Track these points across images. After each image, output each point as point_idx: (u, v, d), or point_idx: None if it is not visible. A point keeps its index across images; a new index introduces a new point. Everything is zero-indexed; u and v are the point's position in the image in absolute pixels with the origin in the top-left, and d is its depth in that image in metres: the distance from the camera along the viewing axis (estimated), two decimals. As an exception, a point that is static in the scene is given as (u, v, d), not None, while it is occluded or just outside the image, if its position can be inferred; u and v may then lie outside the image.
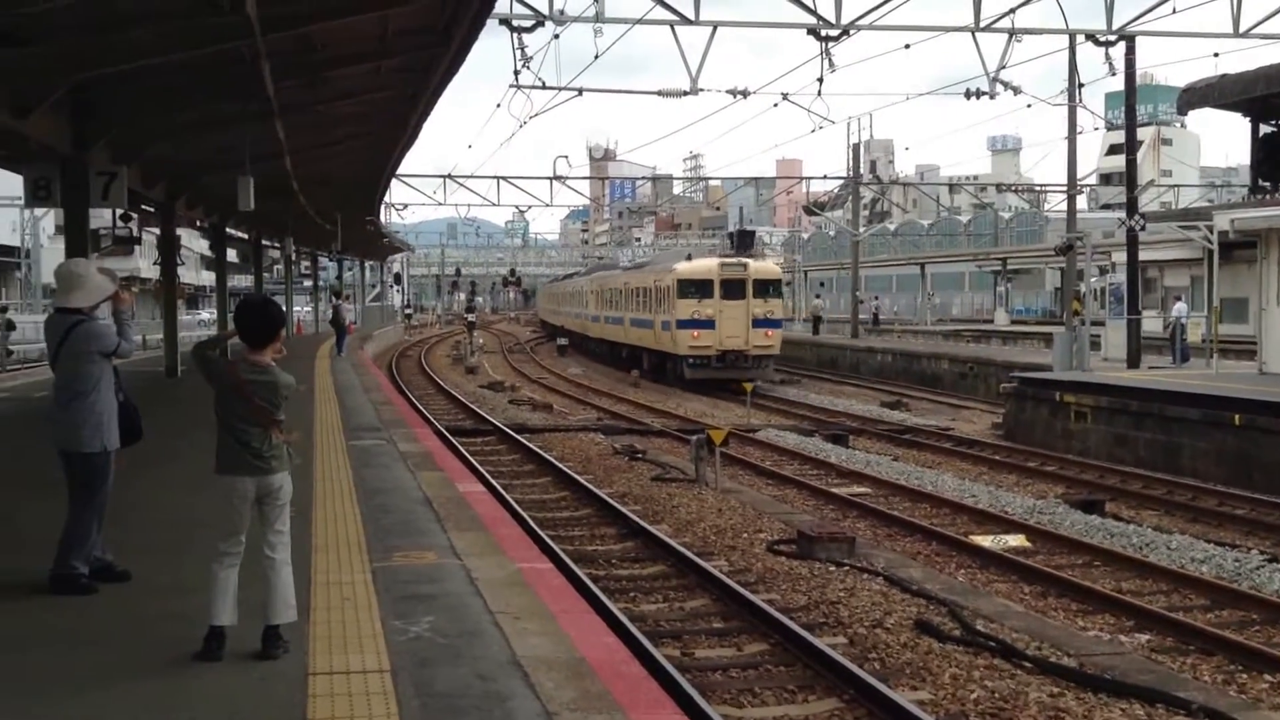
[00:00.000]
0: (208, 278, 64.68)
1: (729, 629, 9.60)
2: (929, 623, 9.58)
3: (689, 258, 38.02)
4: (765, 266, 36.52)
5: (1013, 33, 23.28)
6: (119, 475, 6.70)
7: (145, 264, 55.57)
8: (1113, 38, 23.64)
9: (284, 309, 5.98)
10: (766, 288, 34.71)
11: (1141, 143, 33.89)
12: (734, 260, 35.75)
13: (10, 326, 35.24)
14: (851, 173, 49.61)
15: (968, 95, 25.36)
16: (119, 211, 22.41)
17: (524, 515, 12.93)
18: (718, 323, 33.59)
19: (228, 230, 34.25)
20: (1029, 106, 44.13)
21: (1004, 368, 29.28)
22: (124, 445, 6.65)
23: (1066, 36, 26.34)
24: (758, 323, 33.91)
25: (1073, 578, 11.57)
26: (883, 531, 14.05)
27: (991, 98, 24.81)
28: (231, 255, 42.53)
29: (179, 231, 28.61)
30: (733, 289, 34.04)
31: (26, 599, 6.34)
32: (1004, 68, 24.34)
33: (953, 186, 76.91)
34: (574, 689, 5.02)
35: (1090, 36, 23.93)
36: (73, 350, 6.44)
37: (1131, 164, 27.17)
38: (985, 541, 13.17)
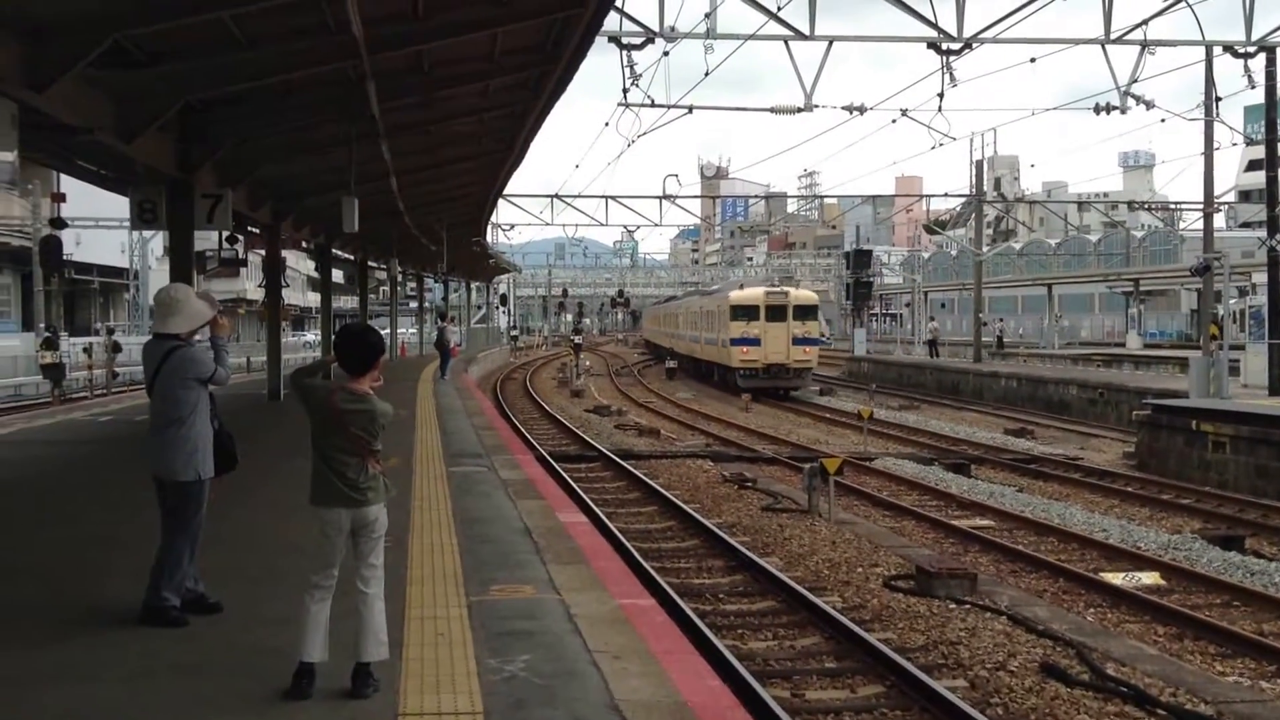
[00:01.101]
0: (314, 299, 65.89)
1: (842, 669, 9.23)
2: (1056, 665, 9.19)
3: (741, 286, 45.75)
4: (803, 294, 43.51)
5: (1145, 44, 22.46)
6: (213, 504, 6.59)
7: (251, 286, 56.70)
8: (1252, 49, 22.69)
9: (383, 336, 5.76)
10: (805, 311, 41.25)
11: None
12: (777, 289, 42.91)
13: (117, 348, 36.04)
14: (974, 190, 48.58)
15: (1097, 110, 24.55)
16: (225, 233, 22.71)
17: (627, 546, 12.71)
18: (763, 340, 39.89)
19: (334, 251, 34.70)
20: (1163, 121, 43.00)
21: (1136, 394, 28.43)
22: (219, 474, 6.55)
23: (1203, 48, 25.35)
24: (797, 340, 40.11)
25: (1210, 618, 11.05)
26: (1006, 567, 13.55)
27: (1123, 112, 24.00)
28: (337, 276, 43.20)
29: (285, 253, 29.01)
30: (775, 313, 40.30)
31: (116, 630, 6.23)
32: (1136, 81, 23.54)
33: (1081, 204, 74.73)
34: (674, 736, 4.68)
35: (1228, 48, 22.99)
36: (169, 376, 6.35)
37: (1273, 181, 25.99)
38: (1116, 579, 12.68)
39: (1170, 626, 10.92)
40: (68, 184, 31.62)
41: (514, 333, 78.12)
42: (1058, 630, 10.20)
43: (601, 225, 69.69)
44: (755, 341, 39.95)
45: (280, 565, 7.50)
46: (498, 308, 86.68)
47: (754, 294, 42.08)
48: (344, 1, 10.18)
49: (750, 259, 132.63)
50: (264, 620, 6.35)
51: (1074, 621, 10.81)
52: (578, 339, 53.53)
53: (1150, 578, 12.87)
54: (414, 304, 62.06)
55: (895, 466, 21.52)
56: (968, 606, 11.03)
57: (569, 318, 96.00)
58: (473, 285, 75.32)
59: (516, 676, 5.46)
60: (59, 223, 31.44)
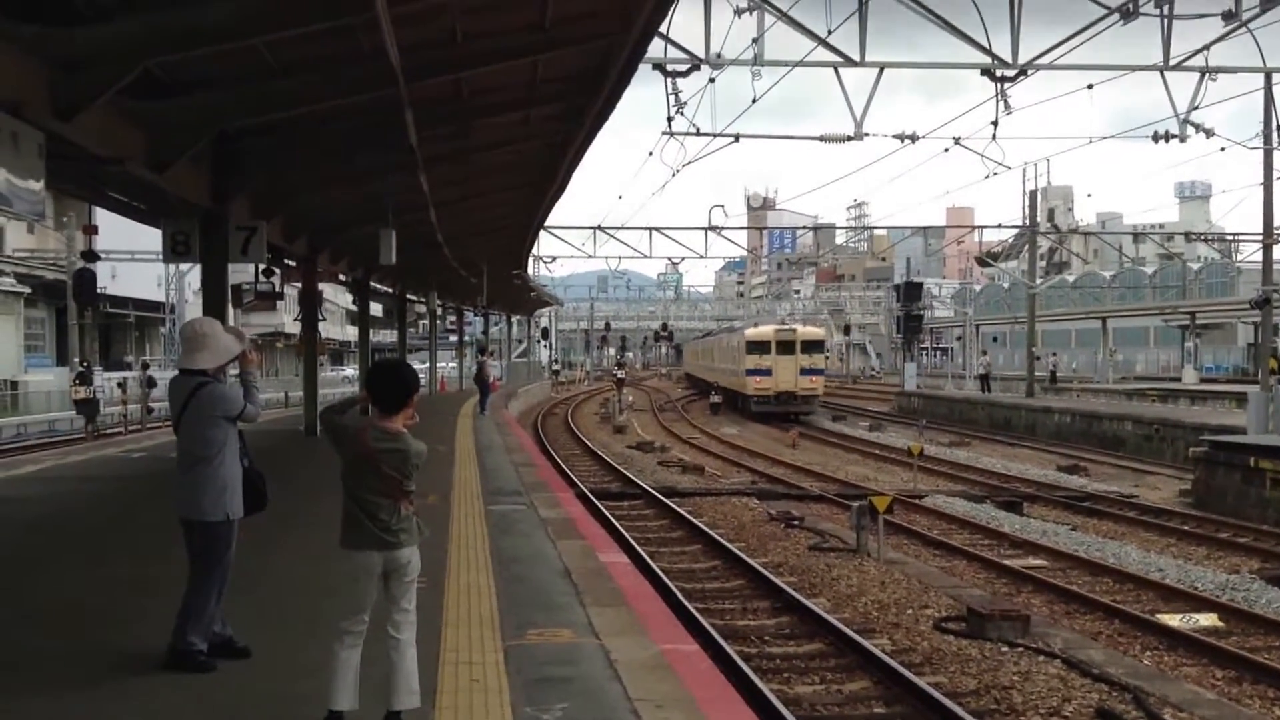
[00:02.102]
0: (352, 333, 66.19)
1: (891, 715, 9.07)
2: (1111, 711, 9.02)
3: (755, 325, 56.71)
4: (810, 330, 51.56)
5: (1205, 71, 22.11)
6: (242, 543, 6.43)
7: (289, 319, 56.91)
8: (1315, 75, 22.28)
9: (418, 372, 5.59)
10: (811, 346, 47.96)
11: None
12: (785, 327, 50.20)
13: (151, 384, 36.04)
14: (1028, 221, 48.03)
15: (1156, 139, 24.15)
16: (261, 266, 22.70)
17: (671, 586, 12.51)
18: (774, 371, 46.20)
19: (372, 284, 34.73)
20: (1222, 150, 42.12)
21: (1193, 430, 27.95)
22: (248, 514, 6.37)
23: (1263, 75, 24.90)
24: (804, 371, 46.53)
25: (1270, 661, 10.82)
26: (1060, 608, 13.33)
27: (1182, 140, 23.51)
28: (376, 310, 43.23)
29: (323, 286, 28.99)
30: (785, 348, 46.74)
31: (141, 675, 6.08)
32: (1196, 108, 23.10)
33: (1137, 236, 73.76)
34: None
35: (1289, 74, 22.60)
36: (197, 414, 6.17)
37: (1333, 210, 25.55)
38: (1173, 621, 12.46)
39: (1229, 670, 10.73)
40: (102, 217, 31.82)
41: (555, 367, 77.91)
42: (1113, 674, 9.99)
43: (645, 257, 69.19)
44: (768, 372, 46.35)
45: (311, 609, 7.34)
46: (539, 341, 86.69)
47: (766, 331, 49.26)
48: (380, 28, 10.07)
49: (798, 291, 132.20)
50: (293, 666, 6.18)
51: (1130, 665, 10.62)
52: (620, 373, 53.40)
53: (1208, 619, 12.66)
54: (453, 338, 62.06)
55: (946, 504, 21.24)
56: (1020, 649, 10.83)
57: (611, 352, 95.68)
58: (513, 319, 75.27)
59: None
60: (91, 255, 31.60)
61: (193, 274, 53.43)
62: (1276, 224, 30.45)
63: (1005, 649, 10.81)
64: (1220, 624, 12.50)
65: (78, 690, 5.87)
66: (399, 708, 5.03)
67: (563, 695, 5.70)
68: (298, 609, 7.62)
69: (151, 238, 19.50)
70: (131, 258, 42.80)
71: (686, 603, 11.88)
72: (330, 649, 5.09)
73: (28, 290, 44.84)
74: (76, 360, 40.00)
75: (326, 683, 5.05)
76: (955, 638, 11.33)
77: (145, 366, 41.62)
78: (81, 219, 38.05)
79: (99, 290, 38.03)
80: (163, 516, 7.15)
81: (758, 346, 47.38)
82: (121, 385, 36.81)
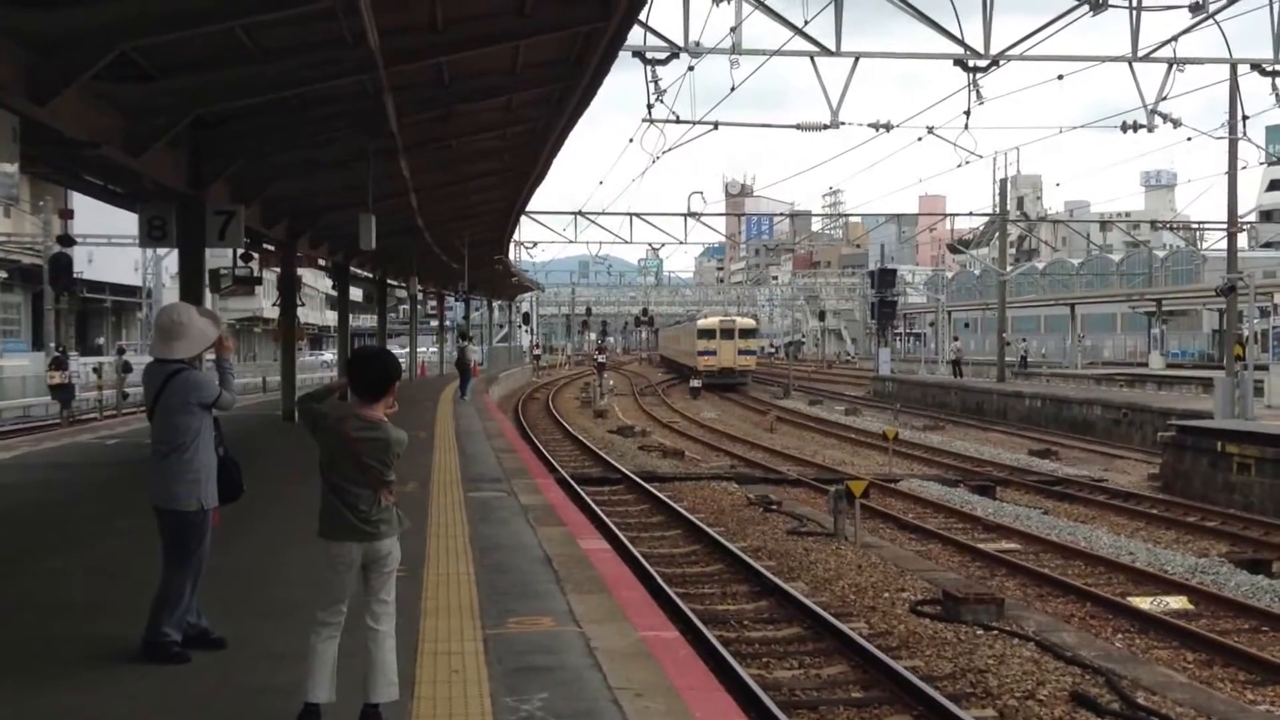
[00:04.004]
0: (332, 318, 65.96)
1: (869, 699, 9.07)
2: (1086, 694, 9.05)
3: (704, 315, 69.59)
4: (745, 321, 64.85)
5: (1173, 62, 22.32)
6: (217, 532, 6.36)
7: (268, 304, 56.80)
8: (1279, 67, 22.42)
9: (399, 359, 5.55)
10: (746, 333, 61.23)
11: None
12: (728, 318, 64.00)
13: (127, 368, 35.51)
14: (998, 209, 48.26)
15: (1124, 128, 24.38)
16: (240, 250, 22.53)
17: (651, 572, 12.53)
18: (718, 352, 58.42)
19: (352, 269, 34.57)
20: (1189, 140, 42.31)
21: (1160, 414, 28.09)
22: (223, 502, 6.28)
23: (1229, 66, 25.08)
24: (740, 352, 59.26)
25: (1240, 644, 10.88)
26: (1033, 591, 13.38)
27: (1150, 131, 23.82)
28: (356, 294, 43.08)
29: (302, 271, 28.85)
30: (727, 334, 59.30)
31: (115, 667, 6.03)
32: (1164, 99, 23.32)
33: (1104, 224, 74.50)
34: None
35: (1256, 66, 22.78)
36: (171, 401, 6.09)
37: (1296, 200, 25.78)
38: (1144, 604, 12.51)
39: (1200, 653, 10.78)
40: (79, 201, 31.53)
41: (537, 352, 78.15)
42: (1087, 657, 10.03)
43: (626, 243, 70.69)
44: (714, 353, 58.54)
45: (288, 599, 7.25)
46: (520, 326, 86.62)
47: (713, 321, 62.51)
48: (360, 12, 10.01)
49: (775, 277, 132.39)
50: (269, 657, 6.13)
51: (1102, 648, 10.67)
52: (601, 358, 53.42)
53: (1178, 602, 12.73)
54: (434, 323, 61.98)
55: (920, 488, 21.34)
56: (995, 632, 10.87)
57: (592, 336, 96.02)
58: (494, 304, 75.24)
59: (533, 717, 5.25)
60: (66, 239, 31.33)
61: (170, 258, 53.10)
62: (1240, 212, 30.67)
63: (980, 632, 10.85)
64: (1190, 606, 12.56)
65: (50, 682, 5.81)
66: (377, 699, 4.97)
67: (543, 684, 5.68)
68: (274, 600, 7.54)
69: (128, 222, 19.36)
70: (108, 242, 42.42)
71: (667, 588, 11.89)
72: (307, 640, 5.02)
73: (3, 275, 44.49)
74: (52, 345, 39.50)
75: (303, 674, 4.99)
76: (931, 621, 11.36)
77: (121, 351, 41.13)
78: (58, 203, 37.67)
79: (75, 275, 37.73)
80: (135, 504, 7.09)
81: (706, 333, 59.88)
82: (97, 370, 36.44)
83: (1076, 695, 9.02)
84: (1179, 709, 8.74)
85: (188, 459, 6.06)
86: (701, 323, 63.08)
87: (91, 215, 34.97)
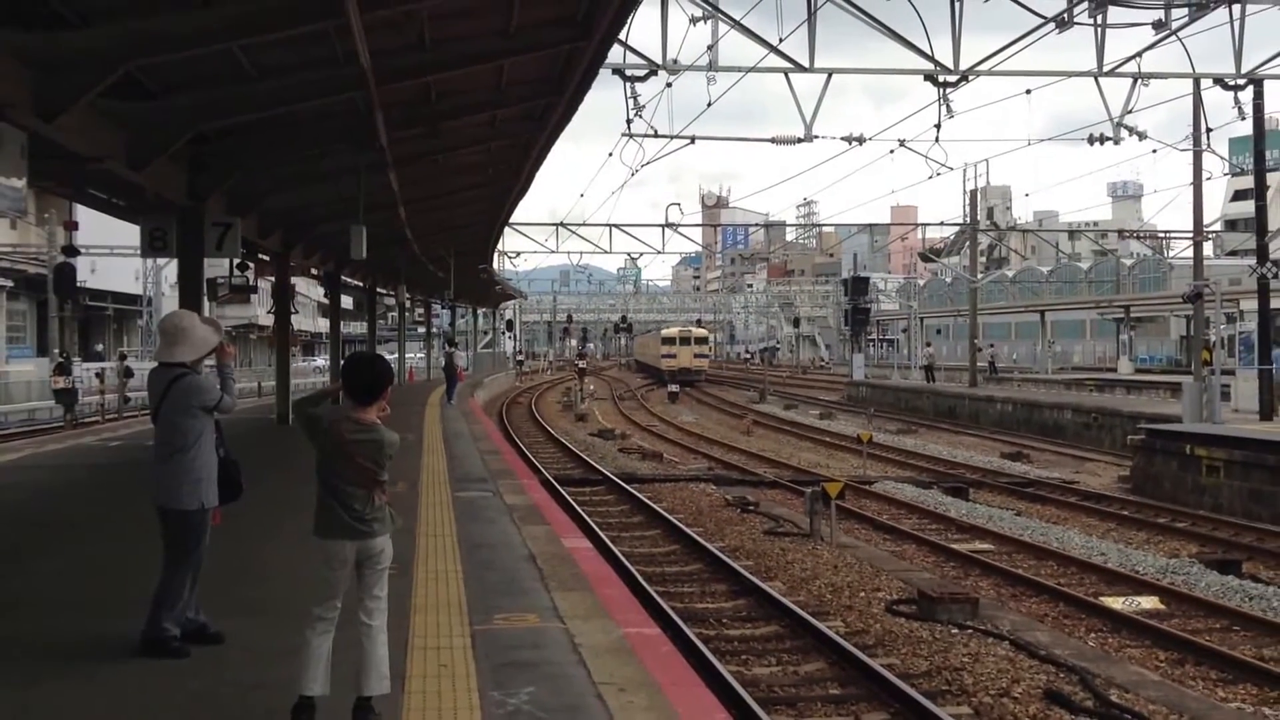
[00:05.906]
0: (324, 325, 66.36)
1: (846, 695, 9.19)
2: (1059, 692, 9.13)
3: (668, 326, 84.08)
4: (700, 331, 78.88)
5: (1138, 77, 22.69)
6: (216, 531, 6.51)
7: (263, 312, 57.09)
8: (1241, 81, 22.87)
9: (391, 366, 5.72)
10: (701, 340, 75.61)
11: (1269, 188, 32.41)
12: (685, 328, 77.43)
13: (129, 374, 36.08)
14: (968, 219, 48.78)
15: (1091, 141, 24.68)
16: (235, 260, 22.79)
17: (632, 571, 12.68)
18: (678, 356, 70.89)
19: (343, 278, 34.87)
20: (1154, 152, 42.67)
21: (1130, 418, 28.37)
22: (223, 502, 6.46)
23: (1192, 80, 25.51)
24: (696, 355, 72.95)
25: (1210, 643, 11.00)
26: (1007, 591, 13.52)
27: (1116, 143, 24.13)
28: (347, 302, 43.42)
29: (296, 280, 29.10)
30: (685, 341, 73.00)
31: (115, 662, 6.15)
32: (1130, 112, 23.68)
33: (1073, 233, 75.25)
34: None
35: (1218, 80, 23.19)
36: (174, 404, 6.28)
37: (1261, 210, 26.22)
38: (1116, 603, 12.65)
39: (1171, 651, 10.87)
40: (83, 213, 31.87)
41: (520, 358, 79.05)
42: (1060, 656, 10.13)
43: (605, 253, 72.64)
44: (674, 356, 71.14)
45: (284, 596, 7.40)
46: (504, 333, 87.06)
47: (674, 331, 76.44)
48: (352, 34, 10.25)
49: (751, 285, 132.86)
50: (266, 652, 6.24)
51: (1076, 647, 10.76)
52: (582, 364, 53.76)
53: (1150, 602, 12.85)
54: (422, 330, 62.25)
55: (895, 490, 21.52)
56: (970, 631, 10.96)
57: (573, 343, 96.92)
58: (479, 311, 75.67)
59: (520, 710, 5.35)
60: (71, 250, 31.75)
61: (170, 268, 53.43)
62: (1206, 222, 31.12)
63: (955, 631, 10.94)
64: (1162, 606, 12.69)
65: (51, 677, 5.89)
66: (370, 693, 5.05)
67: (529, 679, 5.78)
68: (271, 596, 7.67)
69: (130, 233, 19.70)
70: (110, 252, 42.84)
71: (648, 586, 12.03)
72: (303, 635, 5.11)
73: (10, 284, 44.87)
74: (56, 351, 39.99)
75: (298, 668, 5.06)
76: (906, 620, 11.46)
77: (123, 357, 41.69)
78: (62, 215, 38.32)
79: (79, 284, 38.09)
80: (136, 503, 7.21)
81: (669, 340, 73.82)
82: (100, 375, 36.72)
83: (1050, 693, 9.10)
84: (1152, 707, 8.83)
85: (190, 460, 6.24)
86: (665, 332, 77.53)
87: (94, 226, 35.35)
